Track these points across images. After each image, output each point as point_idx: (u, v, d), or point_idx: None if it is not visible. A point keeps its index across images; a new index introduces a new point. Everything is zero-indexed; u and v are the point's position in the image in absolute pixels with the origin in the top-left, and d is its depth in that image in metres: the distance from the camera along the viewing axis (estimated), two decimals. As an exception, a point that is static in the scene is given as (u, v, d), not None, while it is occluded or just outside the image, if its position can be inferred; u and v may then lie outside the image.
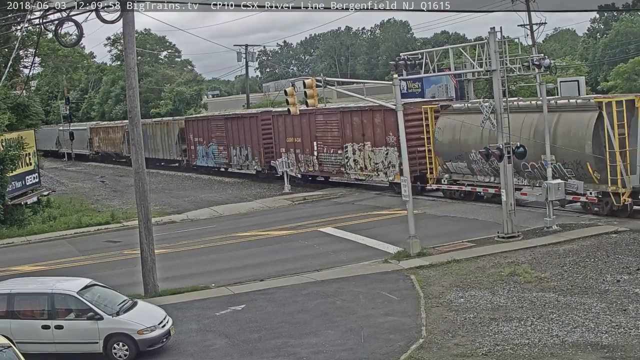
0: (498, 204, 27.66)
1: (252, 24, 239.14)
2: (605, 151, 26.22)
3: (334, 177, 40.56)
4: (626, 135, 25.85)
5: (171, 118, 62.06)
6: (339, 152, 38.68)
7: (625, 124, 25.84)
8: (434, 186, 34.23)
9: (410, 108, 33.48)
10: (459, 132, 31.83)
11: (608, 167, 26.16)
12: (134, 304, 17.34)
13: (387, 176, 35.84)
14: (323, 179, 42.00)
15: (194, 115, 59.48)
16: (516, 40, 38.66)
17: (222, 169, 51.76)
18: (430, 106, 34.41)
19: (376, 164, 36.25)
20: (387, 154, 35.60)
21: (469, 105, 31.44)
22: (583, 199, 27.17)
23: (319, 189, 40.61)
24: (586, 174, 26.89)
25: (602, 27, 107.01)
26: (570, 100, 28.17)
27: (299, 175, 42.91)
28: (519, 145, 25.00)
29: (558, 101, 28.73)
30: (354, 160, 37.76)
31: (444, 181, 33.58)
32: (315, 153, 40.51)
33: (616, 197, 26.15)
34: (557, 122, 27.51)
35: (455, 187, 33.24)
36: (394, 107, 24.88)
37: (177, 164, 57.86)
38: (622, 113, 25.86)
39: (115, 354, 16.26)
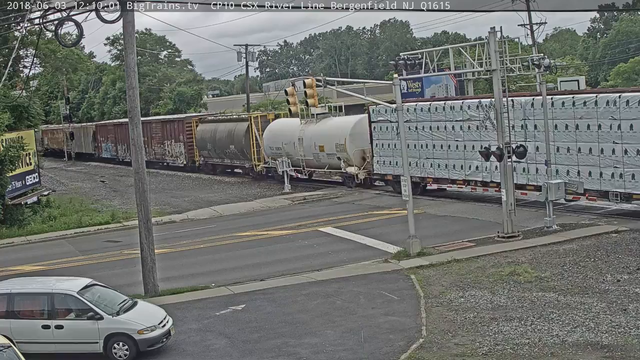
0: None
1: (252, 24, 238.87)
2: (250, 143, 46.83)
3: (164, 162, 60.60)
4: (260, 134, 45.76)
5: (89, 123, 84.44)
6: (162, 145, 59.87)
7: (261, 128, 46.07)
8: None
9: (187, 120, 56.68)
10: (206, 133, 52.56)
11: (252, 151, 46.94)
12: (134, 304, 17.32)
13: (181, 161, 57.20)
14: (164, 164, 61.33)
15: (100, 122, 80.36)
16: (516, 40, 38.76)
17: (117, 159, 70.10)
18: (195, 118, 56.73)
19: (176, 152, 57.72)
20: (179, 147, 57.14)
21: (214, 117, 56.17)
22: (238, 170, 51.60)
23: (319, 189, 40.70)
24: (245, 155, 47.86)
25: (602, 26, 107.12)
26: (241, 115, 47.29)
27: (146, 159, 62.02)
28: (519, 145, 25.10)
29: (239, 115, 49.05)
30: (168, 151, 59.01)
31: (201, 162, 54.69)
32: (153, 147, 60.54)
33: (256, 166, 47.30)
34: (235, 128, 48.45)
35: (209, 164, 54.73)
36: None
37: (92, 156, 78.63)
38: (259, 123, 46.38)
39: (115, 353, 16.25)
